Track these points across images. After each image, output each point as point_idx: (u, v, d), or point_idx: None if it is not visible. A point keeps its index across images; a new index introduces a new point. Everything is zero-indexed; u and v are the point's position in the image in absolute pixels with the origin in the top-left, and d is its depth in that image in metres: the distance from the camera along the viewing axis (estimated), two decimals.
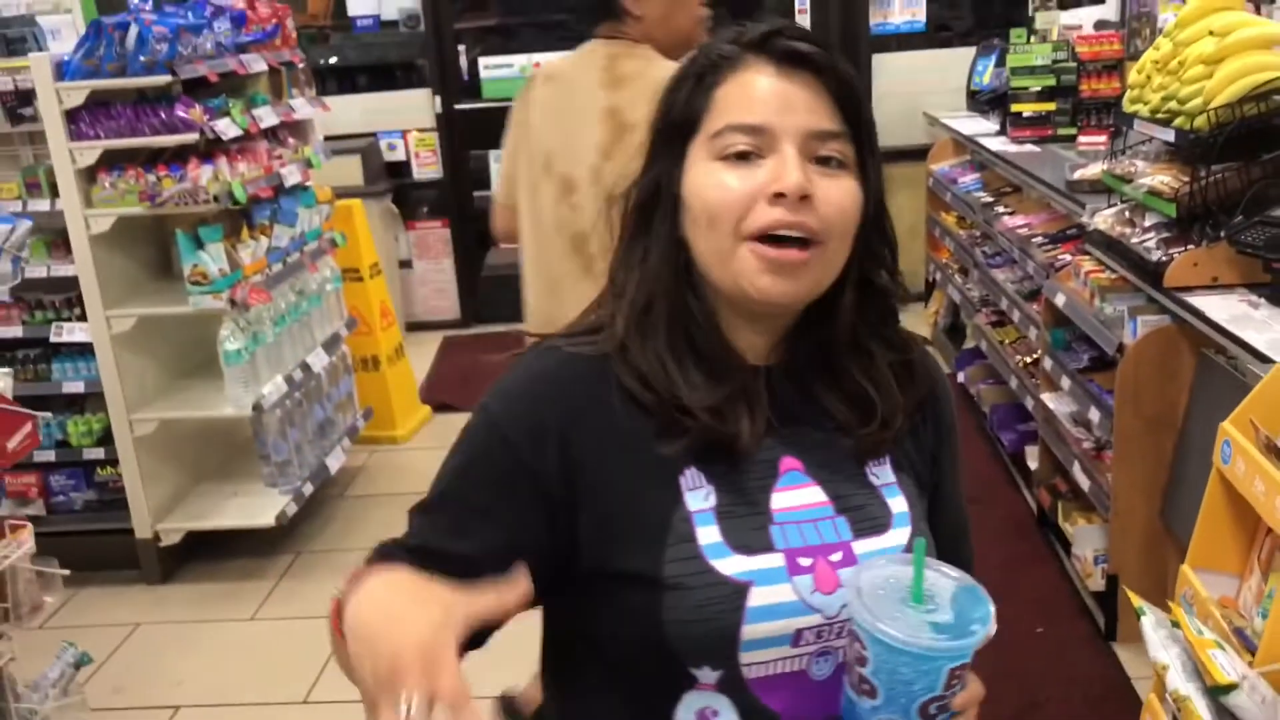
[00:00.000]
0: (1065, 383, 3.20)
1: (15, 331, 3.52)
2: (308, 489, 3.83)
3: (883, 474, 1.08)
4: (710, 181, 0.99)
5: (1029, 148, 4.36)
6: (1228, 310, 2.47)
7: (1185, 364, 2.70)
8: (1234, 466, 1.55)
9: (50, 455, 3.60)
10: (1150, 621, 1.41)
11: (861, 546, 1.02)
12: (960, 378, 4.58)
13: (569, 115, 2.34)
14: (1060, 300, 3.19)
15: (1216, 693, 1.27)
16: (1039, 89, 4.48)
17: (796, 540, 1.00)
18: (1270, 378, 1.57)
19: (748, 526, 1.00)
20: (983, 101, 5.06)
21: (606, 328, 1.05)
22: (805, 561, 0.99)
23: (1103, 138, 4.04)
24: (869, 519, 1.04)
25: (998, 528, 3.63)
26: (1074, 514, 3.26)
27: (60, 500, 3.69)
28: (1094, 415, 2.96)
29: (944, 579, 0.94)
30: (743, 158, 0.98)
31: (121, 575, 3.65)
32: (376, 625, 0.81)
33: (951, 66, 5.77)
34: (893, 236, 1.08)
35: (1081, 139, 4.28)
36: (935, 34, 6.28)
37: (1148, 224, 2.83)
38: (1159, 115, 2.81)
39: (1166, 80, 2.77)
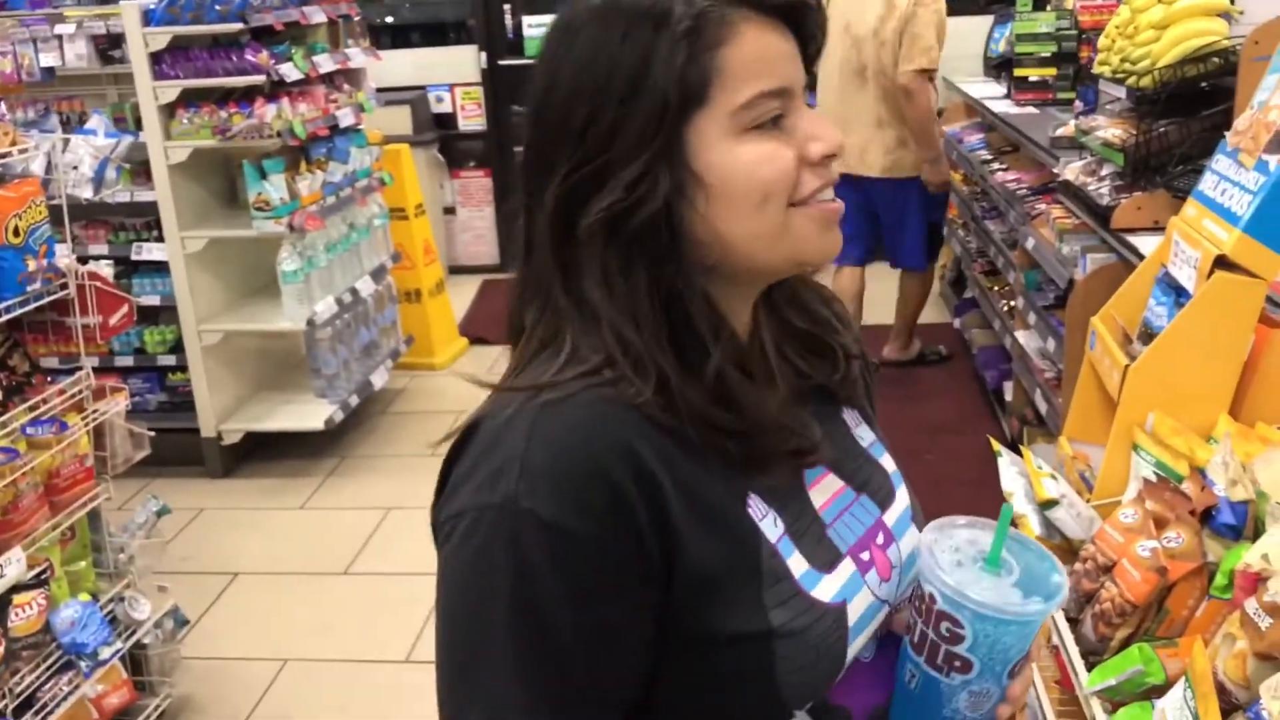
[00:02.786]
0: (1032, 319, 3.54)
1: (101, 249, 3.99)
2: (353, 400, 4.27)
3: (864, 434, 1.02)
4: (753, 156, 0.84)
5: (1029, 110, 4.66)
6: None
7: None
8: (1097, 352, 1.90)
9: (129, 360, 4.09)
10: (1005, 460, 1.77)
11: (889, 518, 0.98)
12: (957, 324, 4.91)
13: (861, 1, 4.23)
14: (1030, 244, 3.52)
15: (1043, 507, 1.63)
16: (1043, 55, 4.78)
17: (849, 536, 0.93)
18: (1129, 281, 1.91)
19: (814, 540, 0.90)
20: (992, 66, 5.35)
21: (609, 369, 0.84)
22: (865, 555, 0.93)
23: None
24: (880, 488, 0.99)
25: (973, 454, 3.98)
26: (1037, 438, 3.60)
27: (136, 400, 4.16)
28: (1051, 345, 3.30)
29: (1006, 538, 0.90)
30: (773, 124, 0.86)
31: (188, 470, 4.12)
32: None
33: (973, 33, 6.04)
34: None
35: (1078, 103, 4.56)
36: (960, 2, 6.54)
37: (1104, 173, 3.15)
38: (1117, 75, 3.12)
39: (1124, 44, 3.08)
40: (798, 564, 0.87)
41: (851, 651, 0.89)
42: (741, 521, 0.86)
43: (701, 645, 0.84)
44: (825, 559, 0.90)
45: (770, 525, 0.87)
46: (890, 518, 0.97)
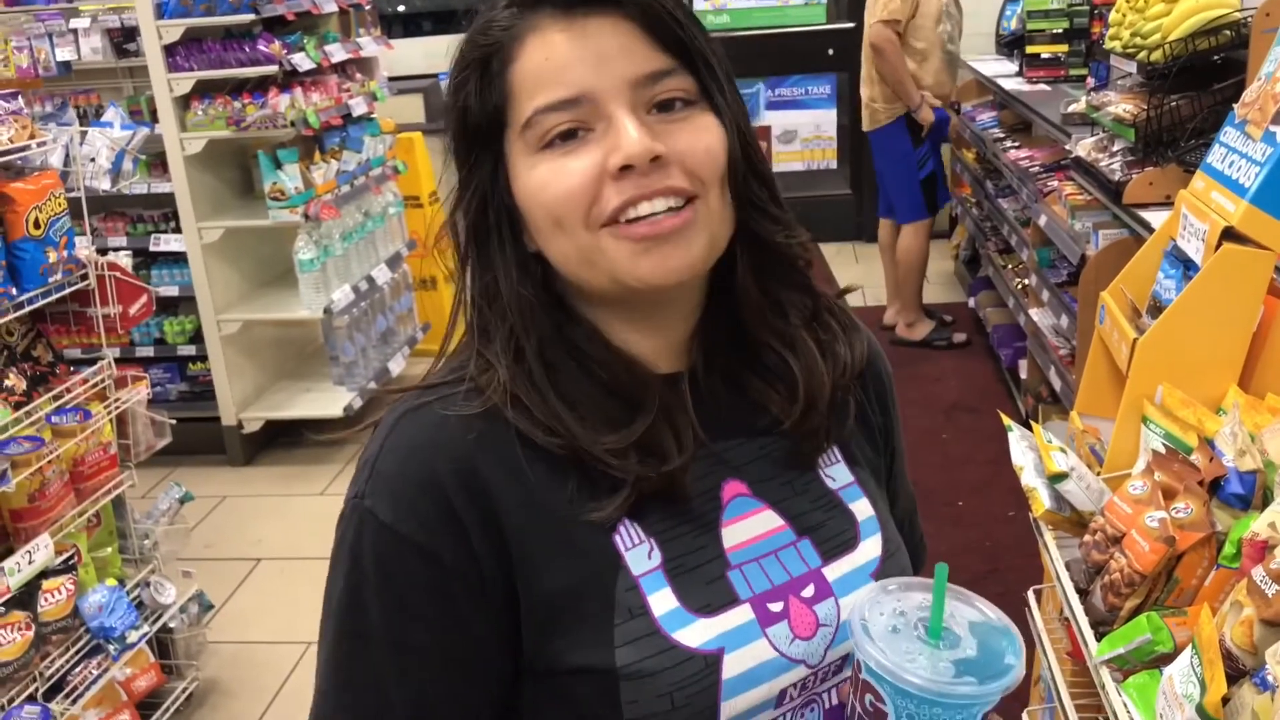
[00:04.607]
0: (1046, 296, 3.54)
1: (120, 241, 4.03)
2: (372, 387, 4.31)
3: (839, 474, 0.93)
4: (540, 178, 0.81)
5: (1041, 87, 4.64)
6: None
7: None
8: (1106, 326, 1.91)
9: (149, 351, 4.13)
10: (1015, 435, 1.78)
11: (834, 571, 0.88)
12: (971, 303, 4.91)
13: None
14: (1043, 220, 3.51)
15: (1053, 480, 1.65)
16: (1055, 32, 4.76)
17: (761, 583, 0.85)
18: (1138, 256, 1.92)
19: (703, 579, 0.84)
20: (1004, 44, 5.33)
21: (485, 374, 0.85)
22: (776, 606, 0.84)
23: None
24: (834, 536, 0.90)
25: (989, 433, 3.99)
26: (1052, 415, 3.61)
27: (157, 391, 4.21)
28: (1064, 322, 3.30)
29: (959, 606, 0.80)
30: (569, 137, 0.80)
31: (210, 458, 4.17)
32: None
33: (983, 11, 6.02)
34: (767, 174, 0.89)
35: (1090, 79, 4.54)
36: None
37: (1115, 149, 3.15)
38: (1128, 50, 3.11)
39: (1134, 18, 3.07)
40: (662, 601, 0.82)
41: (729, 709, 0.81)
42: (599, 548, 0.82)
43: (548, 677, 0.82)
44: (708, 601, 0.83)
45: (639, 556, 0.83)
46: (836, 570, 0.88)
